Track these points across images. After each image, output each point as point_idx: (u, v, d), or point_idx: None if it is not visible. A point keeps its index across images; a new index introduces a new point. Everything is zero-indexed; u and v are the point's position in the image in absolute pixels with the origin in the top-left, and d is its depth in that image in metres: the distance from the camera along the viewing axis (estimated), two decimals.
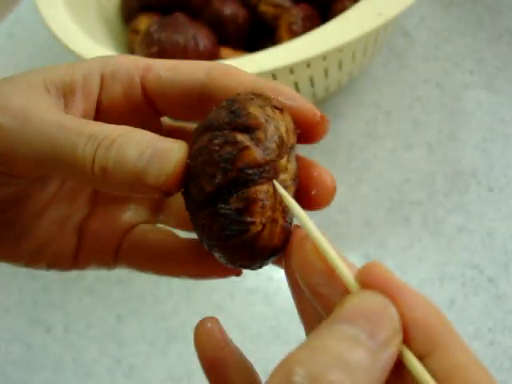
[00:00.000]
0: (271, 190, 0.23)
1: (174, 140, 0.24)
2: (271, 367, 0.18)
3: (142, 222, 0.32)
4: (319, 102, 0.61)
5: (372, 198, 0.56)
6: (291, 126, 0.25)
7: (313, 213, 0.26)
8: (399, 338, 0.19)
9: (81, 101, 0.27)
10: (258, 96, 0.24)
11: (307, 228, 0.23)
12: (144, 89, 0.28)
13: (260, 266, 0.25)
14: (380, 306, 0.19)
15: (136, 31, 0.58)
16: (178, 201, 0.32)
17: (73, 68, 0.27)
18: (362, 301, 0.20)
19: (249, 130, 0.23)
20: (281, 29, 0.54)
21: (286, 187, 0.24)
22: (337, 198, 0.58)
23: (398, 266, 0.52)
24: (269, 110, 0.23)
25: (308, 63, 0.48)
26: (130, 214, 0.32)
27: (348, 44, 0.46)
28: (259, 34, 0.59)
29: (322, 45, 0.46)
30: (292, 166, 0.25)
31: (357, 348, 0.18)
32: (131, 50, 0.60)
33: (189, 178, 0.24)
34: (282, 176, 0.24)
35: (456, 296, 0.50)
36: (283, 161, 0.24)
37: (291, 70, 0.48)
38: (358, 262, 0.52)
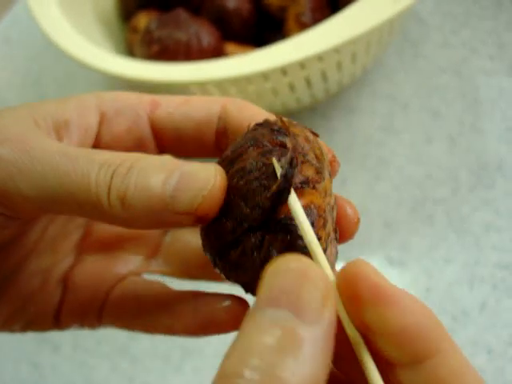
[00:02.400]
0: (329, 208, 0.22)
1: (202, 164, 0.22)
2: None
3: (134, 271, 0.29)
4: (332, 97, 0.58)
5: (392, 196, 0.53)
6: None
7: None
8: (331, 301, 0.17)
9: (76, 136, 0.25)
10: (290, 121, 0.23)
11: (304, 232, 0.20)
12: (153, 125, 0.26)
13: None
14: (298, 275, 0.17)
15: (135, 30, 0.55)
16: (176, 245, 0.30)
17: (64, 104, 0.25)
18: (279, 275, 0.17)
19: (296, 147, 0.22)
20: (289, 21, 0.51)
21: (332, 208, 0.23)
22: (354, 197, 0.55)
23: (422, 269, 0.49)
24: (307, 132, 0.23)
25: (320, 57, 0.45)
26: (121, 264, 0.29)
27: (362, 35, 0.42)
28: (266, 28, 0.56)
29: (335, 37, 0.42)
30: (332, 189, 0.24)
31: (287, 335, 0.16)
32: (130, 50, 0.57)
33: (230, 200, 0.22)
34: (328, 198, 0.23)
35: (487, 299, 0.46)
36: (328, 181, 0.23)
37: (302, 64, 0.45)
38: (380, 266, 0.49)
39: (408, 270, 0.49)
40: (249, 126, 0.24)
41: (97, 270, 0.29)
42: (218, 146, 0.27)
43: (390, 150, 0.55)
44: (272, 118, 0.24)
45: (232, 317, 0.26)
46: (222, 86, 0.45)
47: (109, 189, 0.21)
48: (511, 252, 0.48)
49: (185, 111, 0.26)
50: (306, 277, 0.17)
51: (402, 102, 0.57)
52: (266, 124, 0.23)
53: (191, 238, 0.30)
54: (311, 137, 0.23)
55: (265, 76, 0.45)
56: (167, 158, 0.22)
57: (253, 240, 0.21)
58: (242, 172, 0.21)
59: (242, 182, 0.21)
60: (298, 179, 0.21)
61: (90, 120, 0.25)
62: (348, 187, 0.54)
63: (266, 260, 0.21)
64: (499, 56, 0.58)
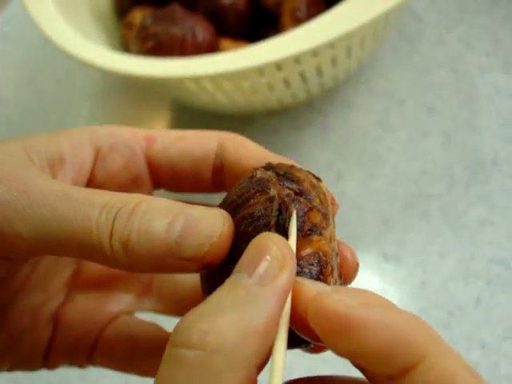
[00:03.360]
0: (334, 253, 0.22)
1: (207, 207, 0.21)
2: None
3: (126, 310, 0.29)
4: (327, 93, 0.58)
5: (387, 192, 0.53)
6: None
7: None
8: (288, 271, 0.19)
9: (71, 172, 0.24)
10: (293, 166, 0.24)
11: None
12: (149, 161, 0.26)
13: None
14: (261, 248, 0.19)
15: (130, 26, 0.55)
16: (169, 282, 0.30)
17: (57, 137, 0.24)
18: (248, 249, 0.19)
19: (302, 193, 0.22)
20: (284, 16, 0.51)
21: (336, 254, 0.23)
22: (350, 194, 0.55)
23: (417, 264, 0.49)
24: (311, 176, 0.23)
25: (315, 52, 0.45)
26: (112, 302, 0.29)
27: (357, 30, 0.42)
28: (261, 23, 0.56)
29: (330, 32, 0.42)
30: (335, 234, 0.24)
31: (236, 289, 0.18)
32: (126, 46, 0.57)
33: (237, 247, 0.21)
34: (333, 243, 0.23)
35: (482, 294, 0.46)
36: (333, 226, 0.23)
37: (297, 59, 0.45)
38: (376, 262, 0.49)
39: (403, 266, 0.49)
40: (253, 169, 0.23)
41: (88, 308, 0.28)
42: (215, 182, 0.27)
43: (386, 146, 0.55)
44: (272, 157, 0.25)
45: None
46: (217, 81, 0.45)
47: (111, 233, 0.20)
48: (506, 247, 0.48)
49: (181, 147, 0.26)
50: (265, 248, 0.19)
51: (397, 98, 0.57)
52: (270, 168, 0.23)
53: (183, 277, 0.30)
54: (315, 181, 0.23)
55: (260, 71, 0.45)
56: (170, 202, 0.21)
57: None
58: (251, 218, 0.21)
59: (250, 229, 0.21)
60: (306, 227, 0.21)
61: (84, 156, 0.25)
62: (343, 183, 0.54)
63: None
64: (495, 52, 0.58)
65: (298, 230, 0.21)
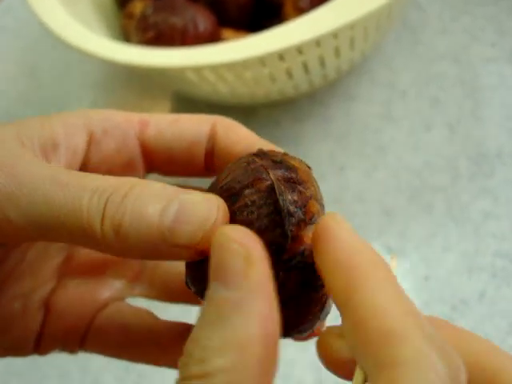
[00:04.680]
0: None
1: (201, 192, 0.21)
2: None
3: (117, 296, 0.28)
4: (329, 84, 0.57)
5: (390, 184, 0.52)
6: None
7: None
8: (255, 258, 0.18)
9: (64, 157, 0.24)
10: (286, 153, 0.24)
11: None
12: (143, 144, 0.26)
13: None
14: (221, 248, 0.18)
15: (130, 16, 0.54)
16: (160, 269, 0.29)
17: (50, 122, 0.24)
18: (212, 254, 0.19)
19: (300, 182, 0.22)
20: (286, 6, 0.50)
21: None
22: (352, 186, 0.55)
23: (421, 257, 0.48)
24: (304, 165, 0.23)
25: (318, 42, 0.44)
26: (104, 288, 0.28)
27: (360, 20, 0.42)
28: (263, 13, 0.55)
29: (333, 21, 0.42)
30: None
31: (217, 304, 0.18)
32: (126, 36, 0.56)
33: None
34: None
35: (486, 288, 0.46)
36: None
37: (300, 50, 0.44)
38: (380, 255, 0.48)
39: (407, 259, 0.48)
40: (248, 155, 0.23)
41: (79, 294, 0.28)
42: (207, 166, 0.27)
43: (389, 137, 0.54)
44: (262, 143, 0.25)
45: None
46: (219, 71, 0.45)
47: (102, 217, 0.20)
48: (510, 241, 0.47)
49: (175, 131, 0.26)
50: (224, 247, 0.18)
51: (400, 90, 0.57)
52: (264, 154, 0.23)
53: (175, 263, 0.29)
54: (308, 170, 0.23)
55: (262, 61, 0.44)
56: (164, 186, 0.21)
57: None
58: (253, 206, 0.21)
59: (252, 217, 0.21)
60: (308, 216, 0.21)
61: (78, 140, 0.25)
62: (346, 175, 0.53)
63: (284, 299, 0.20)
64: (499, 43, 0.57)
65: (301, 220, 0.21)
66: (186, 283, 0.23)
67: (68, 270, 0.29)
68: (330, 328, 0.21)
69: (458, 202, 0.50)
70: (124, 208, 0.20)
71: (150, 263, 0.30)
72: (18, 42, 0.76)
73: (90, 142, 0.25)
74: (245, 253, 0.18)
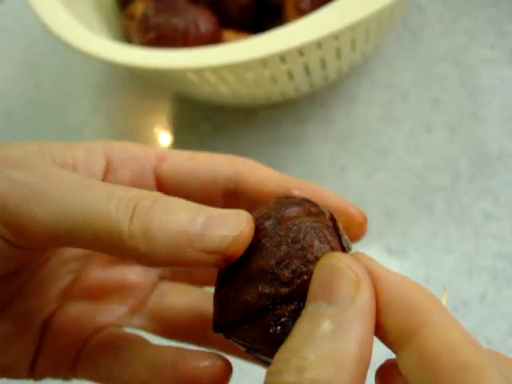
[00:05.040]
0: None
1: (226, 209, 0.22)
2: None
3: (115, 323, 0.29)
4: (330, 85, 0.57)
5: (391, 185, 0.52)
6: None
7: None
8: (365, 287, 0.19)
9: None
10: (314, 214, 0.24)
11: None
12: (158, 179, 0.27)
13: None
14: (330, 269, 0.19)
15: (131, 17, 0.54)
16: (164, 303, 0.30)
17: (72, 145, 0.25)
18: (316, 273, 0.20)
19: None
20: (287, 7, 0.50)
21: None
22: (353, 187, 0.55)
23: (421, 258, 0.48)
24: (327, 233, 0.23)
25: (319, 44, 0.44)
26: (103, 314, 0.29)
27: (362, 22, 0.42)
28: (264, 15, 0.55)
29: (334, 23, 0.42)
30: None
31: (318, 320, 0.18)
32: (127, 38, 0.56)
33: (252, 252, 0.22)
34: None
35: (487, 289, 0.46)
36: None
37: (301, 51, 0.44)
38: (380, 255, 0.49)
39: (407, 260, 0.48)
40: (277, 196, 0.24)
41: (78, 317, 0.28)
42: (226, 205, 0.27)
43: (389, 138, 0.54)
44: (288, 180, 0.26)
45: (214, 377, 0.25)
46: (219, 72, 0.45)
47: (131, 218, 0.20)
48: (511, 242, 0.47)
49: (190, 168, 0.26)
50: (336, 270, 0.19)
51: (401, 91, 0.57)
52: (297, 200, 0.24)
53: (179, 300, 0.30)
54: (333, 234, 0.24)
55: (263, 63, 0.44)
56: (189, 201, 0.22)
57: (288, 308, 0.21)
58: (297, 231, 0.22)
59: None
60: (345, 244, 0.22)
61: (96, 166, 0.25)
62: (347, 176, 0.53)
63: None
64: (500, 44, 0.57)
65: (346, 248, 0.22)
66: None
67: (72, 293, 0.29)
68: (391, 360, 0.21)
69: (458, 202, 0.50)
70: (153, 213, 0.20)
71: (155, 296, 0.30)
72: (18, 43, 0.76)
73: (108, 169, 0.26)
74: (356, 278, 0.19)
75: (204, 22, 0.48)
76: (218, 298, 0.23)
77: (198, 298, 0.30)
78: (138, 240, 0.20)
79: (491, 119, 0.53)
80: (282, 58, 0.44)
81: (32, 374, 0.27)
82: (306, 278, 0.21)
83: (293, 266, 0.21)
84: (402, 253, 0.49)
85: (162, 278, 0.31)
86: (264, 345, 0.21)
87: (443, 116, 0.54)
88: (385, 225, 0.50)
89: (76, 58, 0.69)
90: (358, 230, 0.27)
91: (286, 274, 0.21)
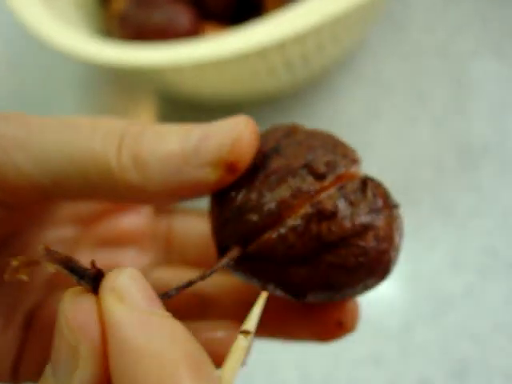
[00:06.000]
0: None
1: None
2: None
3: None
4: (313, 81, 0.56)
5: None
6: None
7: None
8: (85, 360, 0.15)
9: None
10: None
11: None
12: None
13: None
14: (58, 319, 0.16)
15: (113, 12, 0.53)
16: (158, 285, 0.28)
17: None
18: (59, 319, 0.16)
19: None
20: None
21: None
22: None
23: (406, 254, 0.48)
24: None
25: (300, 38, 0.43)
26: None
27: (343, 14, 0.41)
28: (245, 7, 0.54)
29: (315, 16, 0.41)
30: None
31: None
32: (109, 34, 0.55)
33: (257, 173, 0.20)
34: None
35: (472, 285, 0.45)
36: None
37: (282, 46, 0.43)
38: None
39: None
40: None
41: None
42: None
43: (374, 134, 0.54)
44: None
45: None
46: (200, 69, 0.44)
47: (119, 148, 0.18)
48: (496, 237, 0.47)
49: None
50: (58, 328, 0.16)
51: (386, 86, 0.56)
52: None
53: (174, 282, 0.28)
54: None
55: (242, 58, 0.43)
56: (180, 124, 0.20)
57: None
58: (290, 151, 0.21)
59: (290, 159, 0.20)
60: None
61: None
62: None
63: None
64: (484, 37, 0.56)
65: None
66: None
67: (59, 281, 0.26)
68: None
69: (443, 197, 0.49)
70: (142, 139, 0.18)
71: (150, 281, 0.28)
72: (0, 41, 0.75)
73: None
74: (75, 343, 0.15)
75: (183, 16, 0.47)
76: (230, 212, 0.20)
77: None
78: (129, 170, 0.18)
79: (476, 113, 0.53)
80: (262, 52, 0.43)
81: (14, 376, 0.24)
82: (341, 172, 0.20)
83: (325, 160, 0.20)
84: None
85: (156, 265, 0.29)
86: (303, 250, 0.20)
87: (428, 110, 0.54)
88: None
89: (59, 56, 0.68)
90: (332, 330, 0.23)
91: (320, 168, 0.20)
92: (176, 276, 0.28)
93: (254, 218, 0.20)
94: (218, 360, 0.21)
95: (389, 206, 0.20)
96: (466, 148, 0.51)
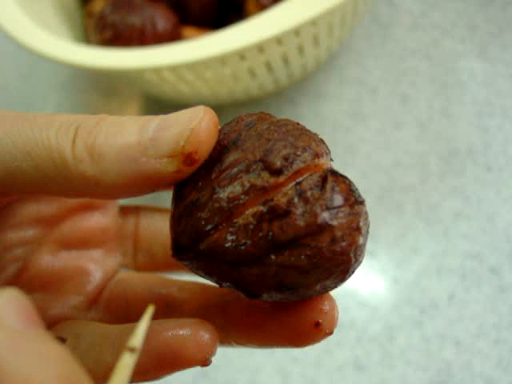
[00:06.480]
0: None
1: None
2: None
3: (68, 315, 0.26)
4: (296, 82, 0.56)
5: (359, 184, 0.50)
6: None
7: None
8: None
9: None
10: None
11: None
12: None
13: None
14: None
15: (91, 14, 0.52)
16: (121, 287, 0.27)
17: None
18: None
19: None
20: (248, 2, 0.49)
21: None
22: None
23: (390, 259, 0.47)
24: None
25: (279, 40, 0.43)
26: (58, 304, 0.26)
27: (322, 16, 0.40)
28: (227, 11, 0.54)
29: (293, 18, 0.40)
30: None
31: None
32: (87, 36, 0.54)
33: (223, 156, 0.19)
34: None
35: (456, 290, 0.45)
36: None
37: (260, 48, 0.43)
38: None
39: (376, 260, 0.47)
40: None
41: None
42: None
43: (358, 136, 0.53)
44: None
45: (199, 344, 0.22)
46: (177, 71, 0.43)
47: (73, 140, 0.18)
48: (480, 241, 0.46)
49: None
50: None
51: (370, 87, 0.56)
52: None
53: (138, 285, 0.27)
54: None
55: (221, 60, 0.43)
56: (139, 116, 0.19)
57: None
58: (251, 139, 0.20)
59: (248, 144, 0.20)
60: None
61: None
62: None
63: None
64: (470, 38, 0.56)
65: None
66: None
67: (22, 284, 0.26)
68: None
69: (427, 201, 0.49)
70: (98, 130, 0.18)
71: (114, 283, 0.27)
72: None
73: None
74: None
75: (162, 19, 0.46)
76: (183, 207, 0.20)
77: (160, 283, 0.27)
78: (84, 161, 0.18)
79: (461, 115, 0.52)
80: (242, 55, 0.43)
81: None
82: (301, 166, 0.19)
83: (283, 154, 0.19)
84: (370, 253, 0.48)
85: (123, 266, 0.28)
86: (255, 248, 0.19)
87: (413, 112, 0.53)
88: None
89: (40, 59, 0.67)
90: (309, 332, 0.21)
91: (277, 162, 0.19)
92: (142, 279, 0.27)
93: (205, 215, 0.19)
94: (181, 359, 0.20)
95: (350, 203, 0.19)
96: (451, 151, 0.50)
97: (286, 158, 0.19)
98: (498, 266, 0.45)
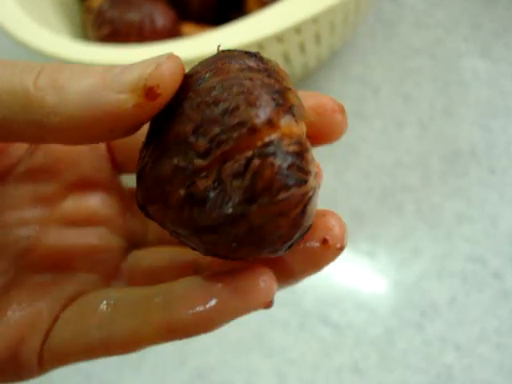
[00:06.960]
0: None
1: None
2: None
3: (88, 290, 0.25)
4: (297, 80, 0.55)
5: (360, 185, 0.50)
6: None
7: None
8: None
9: None
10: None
11: None
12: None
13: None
14: None
15: (89, 10, 0.52)
16: (141, 264, 0.26)
17: None
18: None
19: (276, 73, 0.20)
20: (249, 0, 0.48)
21: None
22: (322, 187, 0.53)
23: (391, 261, 0.46)
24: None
25: (279, 37, 0.42)
26: (72, 284, 0.25)
27: (323, 13, 0.40)
28: (228, 7, 0.53)
29: (294, 16, 0.40)
30: None
31: None
32: (85, 32, 0.53)
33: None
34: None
35: (457, 293, 0.44)
36: None
37: (260, 45, 0.42)
38: (349, 258, 0.47)
39: (377, 262, 0.47)
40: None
41: (39, 293, 0.24)
42: None
43: (360, 136, 0.52)
44: None
45: None
46: None
47: (38, 75, 0.18)
48: (483, 244, 0.45)
49: None
50: None
51: (373, 86, 0.55)
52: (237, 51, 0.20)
53: (159, 257, 0.26)
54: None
55: None
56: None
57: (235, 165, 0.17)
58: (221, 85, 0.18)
59: (220, 96, 0.18)
60: (286, 104, 0.19)
61: None
62: None
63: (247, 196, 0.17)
64: (474, 37, 0.55)
65: (279, 104, 0.18)
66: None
67: (27, 264, 0.24)
68: None
69: (429, 203, 0.48)
70: (63, 67, 0.18)
71: (131, 260, 0.26)
72: None
73: None
74: None
75: (160, 15, 0.46)
76: (139, 169, 0.20)
77: (179, 253, 0.26)
78: (46, 91, 0.18)
79: (464, 115, 0.51)
80: None
81: None
82: (226, 148, 0.17)
83: (211, 134, 0.18)
84: (371, 255, 0.47)
85: (133, 246, 0.27)
86: (182, 228, 0.19)
87: (415, 112, 0.52)
88: (354, 226, 0.48)
89: (37, 56, 0.67)
90: (331, 121, 0.22)
91: (203, 143, 0.18)
92: (161, 252, 0.27)
93: (140, 192, 0.19)
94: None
95: (272, 192, 0.17)
96: (454, 151, 0.50)
97: (213, 138, 0.18)
98: (501, 270, 0.44)
